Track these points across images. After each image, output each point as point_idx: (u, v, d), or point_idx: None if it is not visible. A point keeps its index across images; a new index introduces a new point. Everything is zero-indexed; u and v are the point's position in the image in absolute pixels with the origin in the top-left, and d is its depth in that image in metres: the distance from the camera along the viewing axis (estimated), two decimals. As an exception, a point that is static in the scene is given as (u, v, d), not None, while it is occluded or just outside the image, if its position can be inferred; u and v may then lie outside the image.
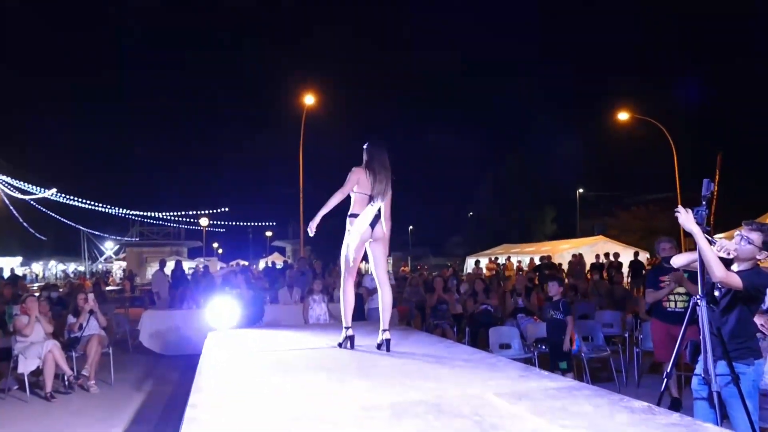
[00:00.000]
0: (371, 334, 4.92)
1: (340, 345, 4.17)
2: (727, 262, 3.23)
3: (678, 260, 3.63)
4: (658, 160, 24.94)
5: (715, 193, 19.60)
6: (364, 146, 4.25)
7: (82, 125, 56.95)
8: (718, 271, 3.07)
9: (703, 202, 3.26)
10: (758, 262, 3.30)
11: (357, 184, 4.11)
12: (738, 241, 3.27)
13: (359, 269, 13.31)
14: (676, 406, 5.22)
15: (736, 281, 3.11)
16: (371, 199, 4.08)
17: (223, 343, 4.73)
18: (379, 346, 4.03)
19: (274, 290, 10.68)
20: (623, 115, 23.31)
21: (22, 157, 34.86)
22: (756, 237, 3.23)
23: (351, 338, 4.15)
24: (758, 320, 3.66)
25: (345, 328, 4.21)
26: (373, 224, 4.11)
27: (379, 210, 4.15)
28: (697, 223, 3.20)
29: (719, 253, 3.20)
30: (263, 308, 8.26)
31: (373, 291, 8.14)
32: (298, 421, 2.38)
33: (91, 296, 7.43)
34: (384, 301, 4.20)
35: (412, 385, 2.95)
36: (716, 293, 3.30)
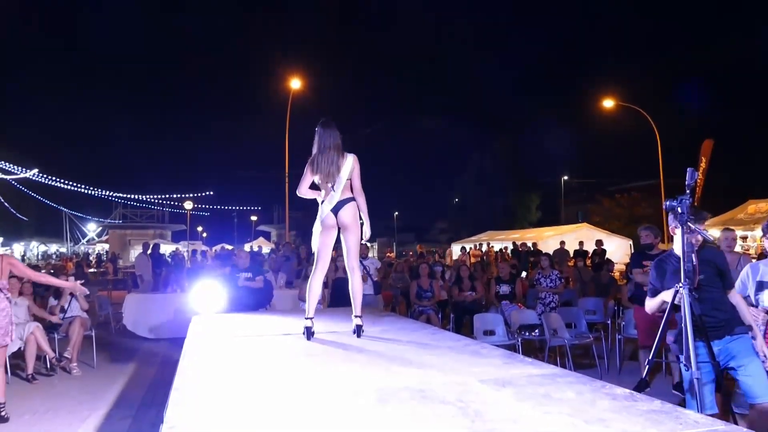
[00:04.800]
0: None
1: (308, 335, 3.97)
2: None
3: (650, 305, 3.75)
4: (642, 148, 25.11)
5: (701, 180, 19.84)
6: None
7: (65, 106, 56.03)
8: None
9: (687, 191, 3.29)
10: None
11: (316, 174, 4.04)
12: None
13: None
14: (642, 386, 5.30)
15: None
16: (331, 185, 4.04)
17: (207, 327, 4.71)
18: (353, 332, 4.03)
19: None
20: (608, 103, 23.42)
21: (3, 137, 34.22)
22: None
23: (309, 329, 3.95)
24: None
25: (306, 318, 4.03)
26: (336, 210, 4.04)
27: (350, 193, 4.09)
28: (681, 212, 3.22)
29: None
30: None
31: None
32: (283, 405, 2.38)
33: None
34: (354, 288, 4.18)
35: (397, 370, 2.96)
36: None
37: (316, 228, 4.09)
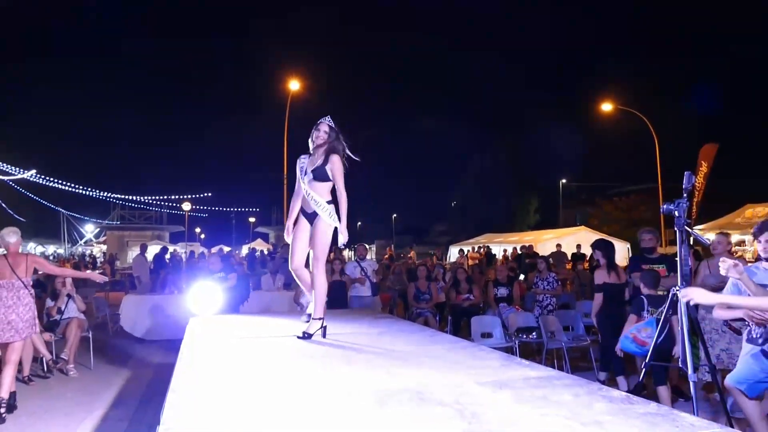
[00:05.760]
0: (355, 321, 4.93)
1: (307, 336, 3.94)
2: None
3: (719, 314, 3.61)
4: (641, 151, 25.18)
5: (702, 184, 19.85)
6: (335, 131, 4.08)
7: (63, 106, 56.03)
8: None
9: (684, 195, 3.30)
10: None
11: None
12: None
13: (342, 257, 13.25)
14: (639, 389, 5.31)
15: None
16: None
17: (205, 328, 4.70)
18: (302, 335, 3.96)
19: (257, 276, 10.66)
20: (607, 106, 23.48)
21: (1, 138, 34.18)
22: None
23: (324, 328, 4.05)
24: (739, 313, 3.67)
25: (316, 318, 4.05)
26: None
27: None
28: (678, 216, 3.23)
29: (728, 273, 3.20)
30: (249, 289, 8.26)
31: (356, 279, 8.17)
32: (280, 407, 2.38)
33: (68, 280, 7.33)
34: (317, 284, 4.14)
35: (395, 372, 2.96)
36: None
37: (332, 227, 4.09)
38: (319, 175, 4.01)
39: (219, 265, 7.99)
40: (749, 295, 3.53)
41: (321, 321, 4.04)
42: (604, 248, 6.03)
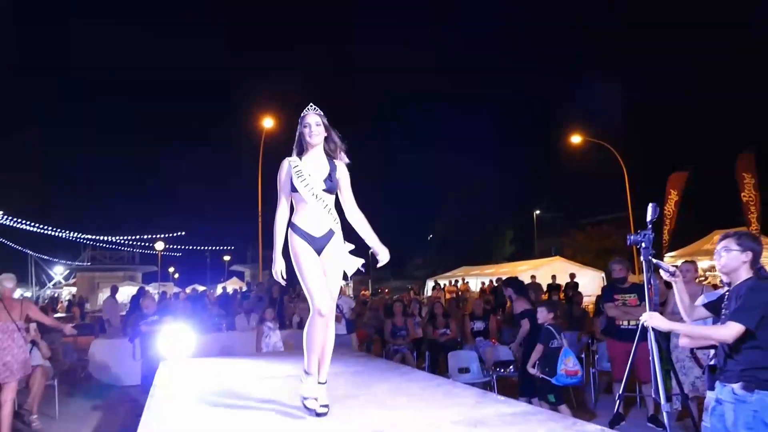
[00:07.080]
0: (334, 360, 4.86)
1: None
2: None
3: (684, 342, 3.62)
4: (613, 179, 25.63)
5: (674, 212, 20.29)
6: (325, 118, 3.25)
7: (31, 145, 55.28)
8: (719, 335, 2.83)
9: (650, 226, 3.37)
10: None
11: None
12: (719, 258, 3.15)
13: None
14: (618, 420, 5.30)
15: (736, 330, 2.75)
16: None
17: (175, 373, 4.58)
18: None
19: (231, 317, 10.46)
20: (576, 138, 24.13)
21: (-35, 179, 33.47)
22: (732, 242, 3.12)
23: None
24: None
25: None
26: None
27: None
28: (645, 246, 3.28)
29: (671, 279, 3.24)
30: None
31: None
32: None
33: (33, 325, 7.09)
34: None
35: (369, 413, 2.92)
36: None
37: None
38: (332, 186, 3.16)
39: (153, 307, 7.86)
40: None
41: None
42: (515, 284, 6.84)
